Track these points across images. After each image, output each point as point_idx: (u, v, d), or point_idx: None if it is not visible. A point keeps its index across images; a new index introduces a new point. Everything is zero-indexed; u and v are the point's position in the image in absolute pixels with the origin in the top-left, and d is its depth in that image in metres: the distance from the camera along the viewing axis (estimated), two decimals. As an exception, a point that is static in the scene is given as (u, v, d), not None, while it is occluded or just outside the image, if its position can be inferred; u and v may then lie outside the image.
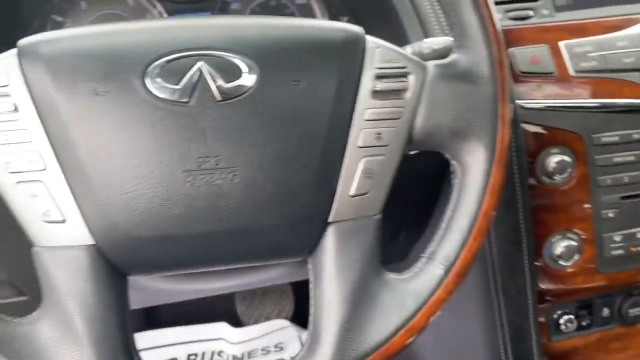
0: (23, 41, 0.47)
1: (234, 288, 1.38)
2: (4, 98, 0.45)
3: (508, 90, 0.54)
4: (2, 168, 0.45)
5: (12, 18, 0.80)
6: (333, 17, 0.93)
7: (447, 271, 0.52)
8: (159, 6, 0.87)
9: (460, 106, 0.53)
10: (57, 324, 0.47)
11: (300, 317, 1.45)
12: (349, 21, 0.93)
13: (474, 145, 0.53)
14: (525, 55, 0.80)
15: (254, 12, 0.92)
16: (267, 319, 1.45)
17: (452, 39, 0.59)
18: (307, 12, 0.93)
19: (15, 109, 0.45)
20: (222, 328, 1.38)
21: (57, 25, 0.85)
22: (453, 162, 0.55)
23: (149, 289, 1.12)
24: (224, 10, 0.90)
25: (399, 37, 0.75)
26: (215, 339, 1.37)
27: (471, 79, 0.53)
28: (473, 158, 0.53)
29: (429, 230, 0.98)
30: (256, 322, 1.45)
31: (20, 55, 0.46)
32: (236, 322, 1.42)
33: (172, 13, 0.88)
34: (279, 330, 1.39)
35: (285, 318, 1.44)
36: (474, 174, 0.53)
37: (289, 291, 1.46)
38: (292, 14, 0.93)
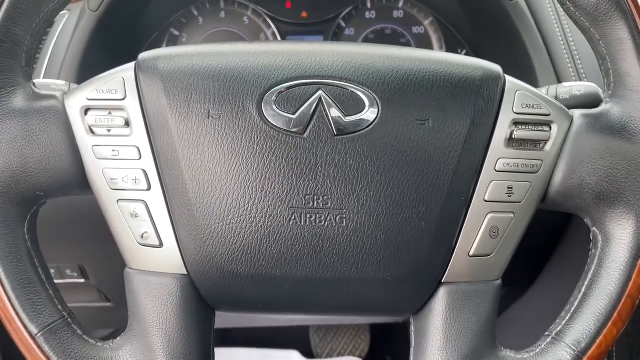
0: (144, 55, 0.45)
1: (311, 321, 1.34)
2: (118, 112, 0.44)
3: None
4: (106, 184, 0.44)
5: (132, 29, 0.82)
6: (450, 49, 0.88)
7: (577, 358, 0.44)
8: (273, 27, 0.86)
9: (610, 165, 0.45)
10: (138, 355, 0.44)
11: (375, 357, 1.38)
12: (467, 54, 0.86)
13: (622, 213, 0.45)
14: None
15: (367, 40, 0.89)
16: (340, 354, 1.39)
17: (595, 85, 0.52)
18: (424, 42, 0.88)
19: (127, 124, 0.44)
20: (293, 356, 1.35)
21: (173, 39, 0.86)
22: (594, 230, 0.47)
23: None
24: (337, 35, 0.88)
25: (526, 79, 0.69)
26: (286, 367, 1.33)
27: (627, 135, 0.45)
28: (621, 228, 0.45)
29: (537, 294, 0.88)
30: (328, 356, 1.40)
31: (138, 69, 0.45)
32: (308, 353, 1.38)
33: (285, 34, 0.86)
34: (351, 369, 1.33)
35: (359, 356, 1.38)
36: (620, 247, 0.45)
37: (366, 329, 1.39)
38: (407, 44, 0.88)
